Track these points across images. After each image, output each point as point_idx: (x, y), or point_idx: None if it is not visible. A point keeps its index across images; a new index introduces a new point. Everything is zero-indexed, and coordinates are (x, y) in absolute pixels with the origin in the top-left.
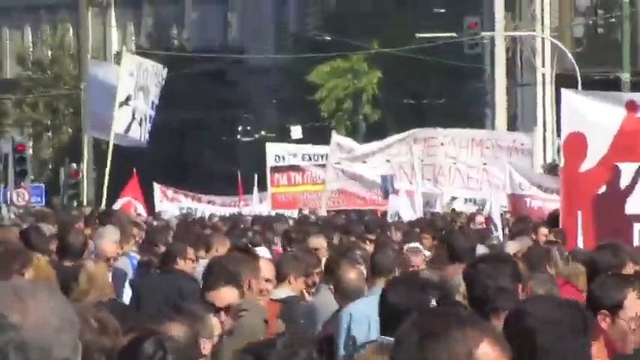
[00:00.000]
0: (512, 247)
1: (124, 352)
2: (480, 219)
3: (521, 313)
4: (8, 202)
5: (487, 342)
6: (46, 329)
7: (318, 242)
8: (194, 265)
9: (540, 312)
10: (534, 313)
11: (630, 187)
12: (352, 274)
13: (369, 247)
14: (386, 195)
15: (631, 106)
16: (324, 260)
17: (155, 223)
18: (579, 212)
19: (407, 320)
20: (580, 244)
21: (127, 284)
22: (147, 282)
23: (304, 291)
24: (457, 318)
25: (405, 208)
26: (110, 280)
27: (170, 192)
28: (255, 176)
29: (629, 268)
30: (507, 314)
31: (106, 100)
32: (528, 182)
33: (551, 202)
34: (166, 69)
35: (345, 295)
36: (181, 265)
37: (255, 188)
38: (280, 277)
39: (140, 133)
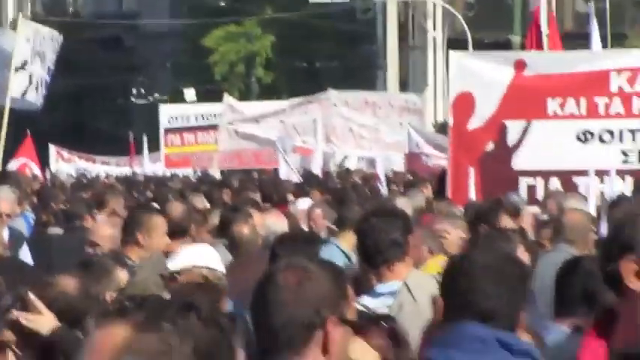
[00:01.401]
0: (402, 202)
1: None
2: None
3: (467, 260)
4: None
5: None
6: None
7: (200, 201)
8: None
9: (484, 259)
10: (479, 260)
11: (517, 144)
12: (245, 229)
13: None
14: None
15: (519, 65)
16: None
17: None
18: (471, 169)
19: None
20: (473, 198)
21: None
22: (58, 240)
23: None
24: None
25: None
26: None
27: (65, 153)
28: (145, 137)
29: (506, 221)
30: (454, 259)
31: (3, 65)
32: (425, 141)
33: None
34: (62, 35)
35: (239, 248)
36: (88, 222)
37: (146, 149)
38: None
39: (36, 97)
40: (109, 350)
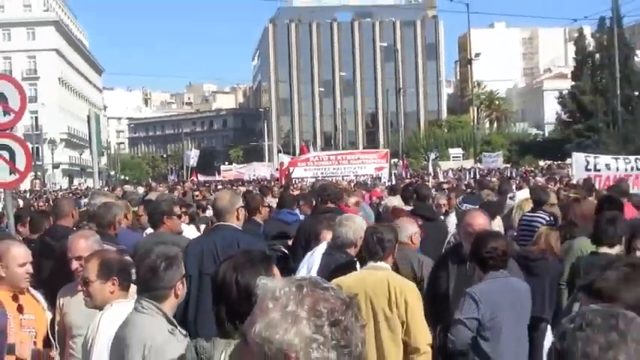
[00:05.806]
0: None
1: None
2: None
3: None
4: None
5: None
6: None
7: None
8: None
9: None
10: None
11: (292, 172)
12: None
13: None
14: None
15: (293, 158)
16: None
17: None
18: (283, 180)
19: None
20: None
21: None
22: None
23: None
24: None
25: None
26: None
27: (202, 176)
28: (221, 167)
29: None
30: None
31: (188, 156)
32: (272, 172)
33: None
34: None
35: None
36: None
37: (222, 171)
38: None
39: (194, 162)
40: None
